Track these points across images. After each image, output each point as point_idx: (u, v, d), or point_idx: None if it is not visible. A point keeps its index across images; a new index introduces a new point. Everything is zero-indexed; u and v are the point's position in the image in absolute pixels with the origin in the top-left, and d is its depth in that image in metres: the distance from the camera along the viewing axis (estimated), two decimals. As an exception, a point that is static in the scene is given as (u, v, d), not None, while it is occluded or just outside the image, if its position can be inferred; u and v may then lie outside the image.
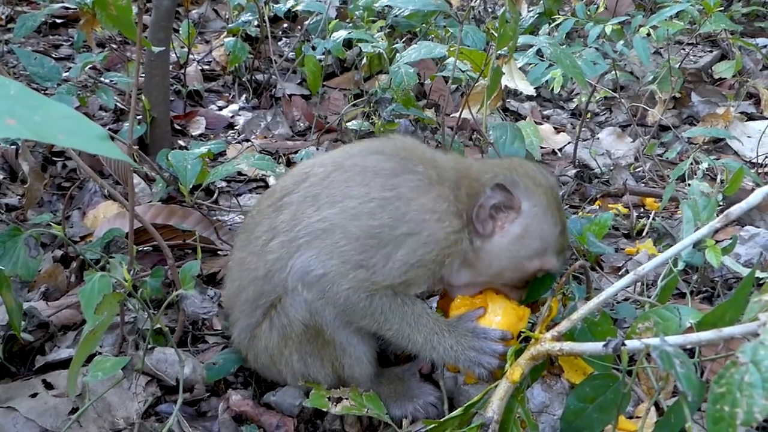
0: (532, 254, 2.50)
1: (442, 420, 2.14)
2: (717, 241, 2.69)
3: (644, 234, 4.03)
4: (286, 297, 2.50)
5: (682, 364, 1.63)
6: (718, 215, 2.59)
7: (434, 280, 2.50)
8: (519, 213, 2.49)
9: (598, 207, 4.30)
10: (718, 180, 3.20)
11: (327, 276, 2.39)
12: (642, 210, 4.34)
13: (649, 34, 4.69)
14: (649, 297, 2.85)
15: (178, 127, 5.21)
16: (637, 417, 2.52)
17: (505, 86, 3.26)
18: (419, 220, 2.39)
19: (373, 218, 2.38)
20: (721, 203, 2.85)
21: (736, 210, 1.99)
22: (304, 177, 2.60)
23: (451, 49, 3.46)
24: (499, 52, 2.99)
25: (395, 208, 2.39)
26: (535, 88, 3.42)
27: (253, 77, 5.98)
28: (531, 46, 3.95)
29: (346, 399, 2.54)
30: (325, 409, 2.48)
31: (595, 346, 1.91)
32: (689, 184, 3.52)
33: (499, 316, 2.43)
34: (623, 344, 1.80)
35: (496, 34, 3.14)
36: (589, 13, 5.37)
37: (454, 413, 2.14)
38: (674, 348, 1.66)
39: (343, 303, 2.41)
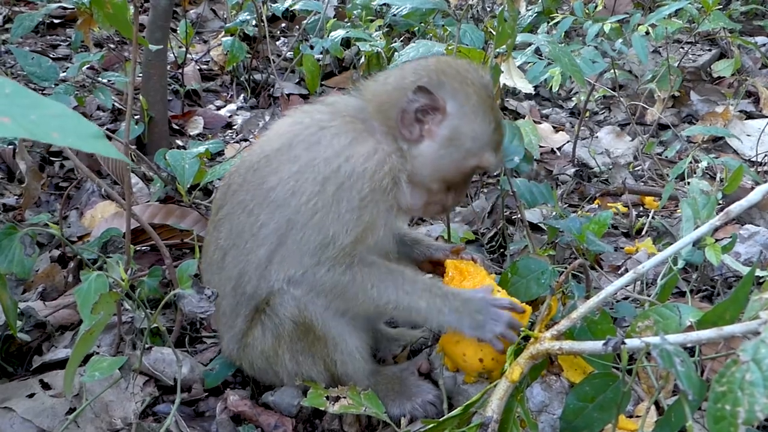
0: (465, 154, 2.47)
1: (441, 419, 2.13)
2: (716, 240, 2.68)
3: (643, 233, 4.03)
4: (273, 298, 2.50)
5: (682, 362, 1.62)
6: (717, 214, 2.59)
7: (395, 208, 2.46)
8: (445, 114, 2.44)
9: (597, 206, 4.29)
10: (718, 178, 3.19)
11: (307, 272, 2.39)
12: (641, 209, 4.33)
13: (647, 33, 4.69)
14: (649, 296, 2.85)
15: (176, 127, 5.20)
16: (637, 416, 2.51)
17: (504, 85, 3.25)
18: (332, 170, 2.36)
19: (300, 195, 2.37)
20: (720, 201, 2.84)
21: (735, 208, 1.98)
22: (227, 187, 2.62)
23: (450, 47, 3.44)
24: (497, 50, 2.98)
25: (309, 175, 2.38)
26: (533, 87, 3.41)
27: (251, 77, 5.97)
28: (529, 44, 3.94)
29: (344, 398, 2.52)
30: (322, 408, 2.47)
31: (594, 345, 1.90)
32: (688, 183, 3.52)
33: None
34: (623, 343, 1.79)
35: (494, 33, 3.13)
36: (587, 11, 5.36)
37: (454, 412, 2.13)
38: (674, 347, 1.65)
39: (330, 287, 2.40)
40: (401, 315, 2.47)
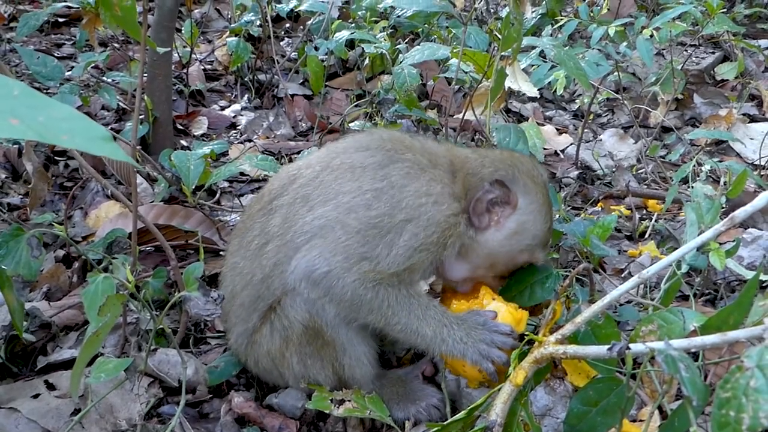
0: (523, 249, 2.58)
1: (445, 423, 2.13)
2: (720, 244, 2.68)
3: (647, 236, 4.03)
4: (285, 298, 2.50)
5: (686, 368, 1.62)
6: (721, 218, 2.59)
7: (435, 266, 2.52)
8: (515, 209, 2.54)
9: (600, 209, 4.29)
10: (722, 182, 3.19)
11: (332, 272, 2.38)
12: (644, 212, 4.33)
13: (651, 36, 4.68)
14: (652, 299, 2.85)
15: (181, 127, 5.21)
16: (641, 420, 2.51)
17: (508, 87, 3.26)
18: (416, 205, 2.40)
19: (370, 209, 2.39)
20: (724, 205, 2.84)
21: (740, 213, 1.98)
22: (292, 179, 2.61)
23: (455, 50, 3.45)
24: (502, 53, 2.99)
25: (390, 197, 2.41)
26: (537, 90, 3.41)
27: (255, 77, 5.98)
28: (534, 47, 3.95)
29: (349, 401, 2.53)
30: (327, 411, 2.48)
31: (599, 350, 1.90)
32: (692, 186, 3.52)
33: (498, 319, 2.43)
34: (628, 348, 1.79)
35: (498, 35, 3.14)
36: (591, 14, 5.36)
37: (458, 416, 2.14)
38: (679, 352, 1.65)
39: (349, 298, 2.39)
40: (406, 337, 2.47)
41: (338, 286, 2.38)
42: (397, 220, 2.38)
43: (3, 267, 2.41)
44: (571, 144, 5.21)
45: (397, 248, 2.38)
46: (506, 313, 2.44)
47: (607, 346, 1.84)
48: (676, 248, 3.13)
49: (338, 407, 2.49)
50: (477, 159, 2.63)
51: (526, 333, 2.24)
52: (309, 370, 2.59)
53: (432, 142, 2.72)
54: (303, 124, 5.55)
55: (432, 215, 2.40)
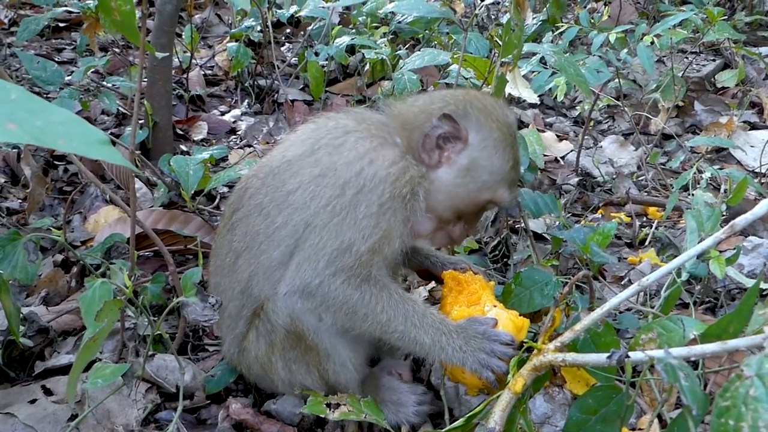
0: (481, 186, 2.51)
1: (443, 430, 2.13)
2: (720, 252, 2.68)
3: (647, 243, 4.02)
4: (267, 303, 2.49)
5: (686, 377, 1.62)
6: (722, 225, 2.59)
7: (408, 224, 2.46)
8: (466, 144, 2.48)
9: (600, 216, 4.28)
10: (722, 190, 3.18)
11: (323, 282, 2.36)
12: (644, 219, 4.33)
13: (652, 43, 4.68)
14: (652, 307, 2.84)
15: (180, 132, 5.20)
16: (640, 429, 2.50)
17: (509, 94, 3.25)
18: (354, 174, 2.36)
19: (320, 199, 2.37)
20: (724, 213, 2.84)
21: (741, 221, 1.97)
22: (243, 191, 2.61)
23: (455, 56, 3.45)
24: (503, 59, 2.98)
25: (330, 179, 2.38)
26: (537, 96, 3.41)
27: (255, 82, 5.98)
28: (534, 53, 3.94)
29: (344, 405, 2.51)
30: (323, 416, 2.46)
31: (598, 358, 1.89)
32: (692, 194, 3.51)
33: (499, 327, 2.41)
34: (627, 356, 1.78)
35: (499, 42, 3.13)
36: (592, 21, 5.36)
37: (456, 424, 2.13)
38: (679, 360, 1.64)
39: (341, 301, 2.37)
40: (404, 345, 2.43)
41: (330, 292, 2.37)
42: (348, 197, 2.35)
43: (0, 271, 2.41)
44: (572, 151, 5.20)
45: (360, 222, 2.34)
46: (507, 321, 2.42)
47: (606, 354, 1.84)
48: (677, 256, 3.14)
49: (334, 411, 2.47)
50: (426, 98, 2.60)
51: (525, 340, 2.23)
52: (295, 376, 2.58)
53: (365, 108, 2.69)
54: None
55: (373, 174, 2.36)
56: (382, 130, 2.50)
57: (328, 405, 2.49)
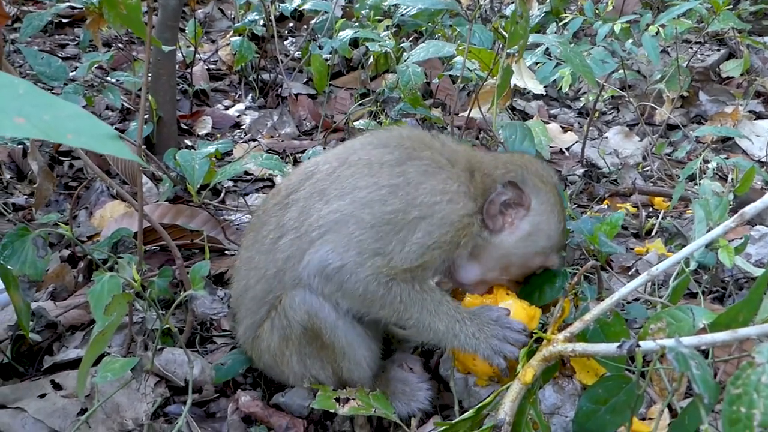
0: (538, 251, 2.55)
1: (453, 422, 2.12)
2: (728, 241, 2.67)
3: (653, 233, 4.01)
4: (285, 297, 2.49)
5: (698, 365, 1.61)
6: (729, 215, 2.58)
7: (447, 265, 2.51)
8: (528, 211, 2.52)
9: (606, 206, 4.27)
10: (729, 179, 3.17)
11: (345, 267, 2.36)
12: (651, 209, 4.32)
13: (657, 33, 4.67)
14: (660, 297, 2.84)
15: (185, 127, 5.21)
16: (650, 418, 2.50)
17: (514, 85, 3.25)
18: (431, 203, 2.38)
19: (385, 204, 2.38)
20: (731, 202, 2.83)
21: (750, 210, 1.96)
22: (309, 174, 2.59)
23: (460, 48, 3.44)
24: (509, 50, 2.97)
25: (406, 193, 2.39)
26: (542, 87, 3.40)
27: (259, 76, 5.97)
28: (539, 45, 3.94)
29: (354, 399, 2.51)
30: (332, 410, 2.47)
31: (608, 348, 1.89)
32: (698, 184, 3.51)
33: (511, 316, 2.41)
34: (638, 346, 1.78)
35: (503, 33, 3.12)
36: (597, 11, 5.34)
37: (466, 415, 2.13)
38: (690, 349, 1.64)
39: (362, 293, 2.38)
40: (418, 332, 2.46)
41: (351, 281, 2.37)
42: (411, 216, 2.37)
43: (9, 267, 2.41)
44: (576, 142, 5.20)
45: (410, 245, 2.36)
46: (519, 310, 2.43)
47: (616, 344, 1.83)
48: (685, 246, 3.13)
49: (343, 406, 2.48)
50: (490, 160, 2.63)
51: (535, 331, 2.23)
52: (309, 370, 2.59)
53: (452, 141, 2.70)
54: (307, 123, 5.54)
55: (446, 214, 2.39)
56: (467, 178, 2.52)
57: (338, 399, 2.49)
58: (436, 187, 2.41)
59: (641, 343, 1.79)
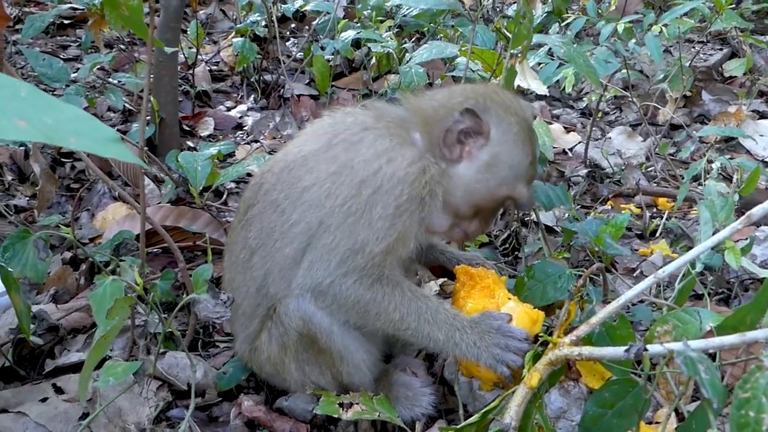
0: (500, 182, 2.47)
1: (459, 426, 2.11)
2: (735, 241, 2.65)
3: (658, 234, 4.00)
4: (279, 306, 2.47)
5: (706, 369, 1.60)
6: (735, 215, 2.57)
7: (426, 224, 2.44)
8: (488, 139, 2.44)
9: (610, 207, 4.26)
10: (734, 180, 3.15)
11: (334, 281, 2.34)
12: (654, 210, 4.30)
13: (660, 32, 4.65)
14: (665, 298, 2.82)
15: (187, 128, 5.20)
16: (657, 422, 2.49)
17: (517, 86, 3.23)
18: (372, 173, 2.32)
19: (336, 198, 2.33)
20: (735, 203, 2.81)
21: (757, 211, 1.95)
22: (258, 186, 2.57)
23: (463, 48, 3.42)
24: (512, 51, 2.95)
25: (346, 176, 2.34)
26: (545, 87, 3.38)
27: (261, 77, 5.96)
28: (542, 45, 3.92)
29: (357, 404, 2.50)
30: (336, 416, 2.45)
31: (615, 351, 1.87)
32: (703, 184, 3.49)
33: (514, 321, 2.39)
34: (645, 349, 1.76)
35: (505, 33, 3.10)
36: (600, 11, 5.33)
37: (471, 419, 2.11)
38: (698, 353, 1.62)
39: (353, 301, 2.35)
40: (418, 341, 2.42)
41: (342, 292, 2.35)
42: (363, 196, 2.31)
43: (10, 269, 2.39)
44: (579, 142, 5.18)
45: (375, 223, 2.30)
46: (522, 314, 2.40)
47: (623, 348, 1.82)
48: (690, 247, 3.11)
49: (347, 411, 2.46)
50: (445, 93, 2.56)
51: (540, 334, 2.22)
52: (308, 376, 2.57)
53: (384, 103, 2.64)
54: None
55: (391, 174, 2.31)
56: (401, 126, 2.45)
57: (341, 404, 2.48)
58: (368, 154, 2.35)
59: (649, 346, 1.77)
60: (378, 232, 2.31)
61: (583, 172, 4.74)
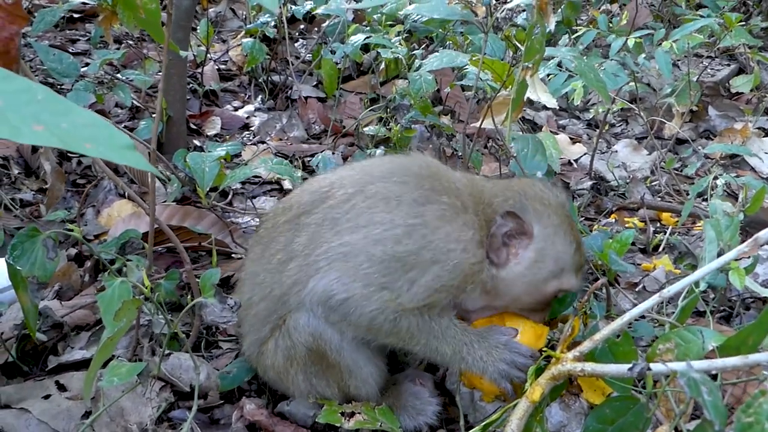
0: (548, 276, 2.47)
1: (460, 438, 2.12)
2: (737, 259, 2.66)
3: (661, 249, 4.01)
4: (289, 319, 2.48)
5: (709, 391, 1.61)
6: (739, 235, 2.57)
7: (453, 302, 2.47)
8: (531, 238, 2.45)
9: (614, 220, 4.27)
10: (740, 198, 3.16)
11: (351, 299, 2.35)
12: (658, 225, 4.31)
13: (670, 47, 4.66)
14: (667, 314, 2.83)
15: (194, 127, 5.20)
16: (656, 439, 2.49)
17: (526, 97, 3.23)
18: (445, 249, 2.35)
19: (399, 243, 2.34)
20: (740, 222, 2.82)
21: (765, 235, 1.97)
22: (323, 197, 2.53)
23: (474, 58, 3.43)
24: (525, 64, 2.96)
25: (421, 236, 2.35)
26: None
27: (269, 78, 5.97)
28: (551, 57, 3.93)
29: (359, 413, 2.52)
30: (338, 425, 2.47)
31: (618, 368, 1.88)
32: (706, 200, 3.50)
33: (519, 335, 2.41)
34: (648, 369, 1.77)
35: (515, 43, 3.11)
36: (611, 24, 5.34)
37: (473, 431, 2.12)
38: (701, 374, 1.63)
39: (367, 325, 2.38)
40: (426, 355, 2.47)
41: (356, 313, 2.36)
42: (423, 258, 2.34)
43: (18, 267, 2.40)
44: (585, 154, 5.19)
45: (418, 286, 2.34)
46: (528, 328, 2.42)
47: (626, 365, 1.83)
48: (694, 264, 3.11)
49: (348, 420, 2.48)
50: (489, 190, 2.58)
51: (544, 348, 2.23)
52: (315, 388, 2.58)
53: (459, 176, 2.63)
54: (316, 127, 5.53)
55: (458, 262, 2.36)
56: (478, 223, 2.46)
57: (343, 413, 2.49)
58: (452, 234, 2.37)
59: (652, 366, 1.78)
60: (415, 294, 2.35)
61: (588, 184, 4.75)
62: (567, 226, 2.51)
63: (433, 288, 2.35)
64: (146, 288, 2.34)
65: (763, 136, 5.39)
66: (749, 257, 2.88)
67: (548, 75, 4.12)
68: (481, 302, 2.53)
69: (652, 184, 4.84)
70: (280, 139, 5.24)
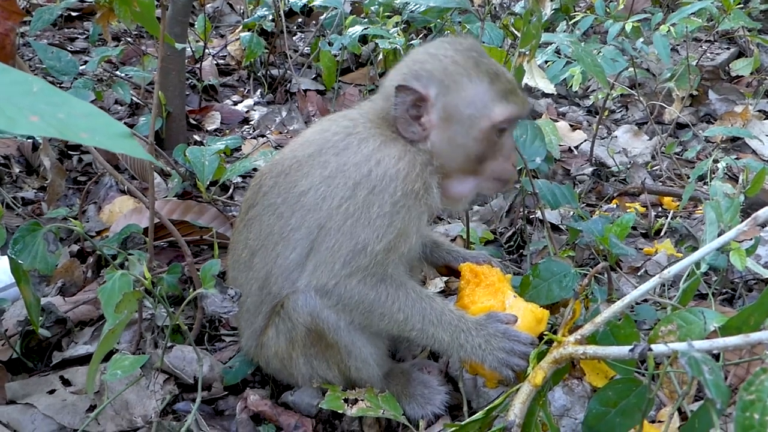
0: (472, 121, 2.39)
1: (463, 423, 2.12)
2: (739, 241, 2.66)
3: (662, 233, 4.00)
4: (287, 301, 2.49)
5: (710, 370, 1.61)
6: (740, 216, 2.57)
7: (428, 215, 2.46)
8: (429, 99, 2.38)
9: (615, 206, 4.27)
10: (740, 180, 3.16)
11: (339, 282, 2.37)
12: (660, 209, 4.31)
13: (668, 31, 4.64)
14: (669, 297, 2.83)
15: (194, 122, 5.21)
16: (660, 421, 2.50)
17: (524, 84, 3.23)
18: (364, 175, 2.33)
19: (332, 200, 2.36)
20: (741, 204, 2.82)
21: (763, 213, 1.97)
22: (257, 188, 2.60)
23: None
24: (521, 50, 2.96)
25: (340, 180, 2.36)
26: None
27: (268, 72, 5.97)
28: (549, 43, 3.92)
29: (362, 400, 2.52)
30: (341, 411, 2.47)
31: (620, 350, 1.89)
32: (707, 183, 3.49)
33: (519, 319, 2.40)
34: (650, 350, 1.77)
35: (513, 31, 3.11)
36: (608, 10, 5.32)
37: (475, 416, 2.12)
38: (702, 354, 1.63)
39: (357, 301, 2.38)
40: (422, 341, 2.46)
41: (346, 292, 2.37)
42: (360, 198, 2.33)
43: (20, 262, 2.41)
44: (585, 140, 5.18)
45: (374, 222, 2.32)
46: (527, 312, 2.41)
47: (628, 347, 1.83)
48: (695, 247, 3.12)
49: (352, 407, 2.48)
50: (384, 80, 2.56)
51: (545, 332, 2.23)
52: (316, 371, 2.59)
53: (367, 103, 2.62)
54: (316, 119, 5.51)
55: (383, 174, 2.32)
56: (381, 125, 2.45)
57: (346, 400, 2.50)
58: (356, 158, 2.36)
59: (653, 346, 1.79)
60: (378, 230, 2.32)
61: (589, 170, 4.74)
62: (472, 65, 2.39)
63: (386, 213, 2.32)
64: (147, 281, 2.34)
65: (764, 119, 5.37)
66: (751, 239, 2.88)
67: (546, 61, 4.11)
68: (462, 183, 2.51)
69: (653, 168, 4.84)
70: (280, 133, 5.24)
